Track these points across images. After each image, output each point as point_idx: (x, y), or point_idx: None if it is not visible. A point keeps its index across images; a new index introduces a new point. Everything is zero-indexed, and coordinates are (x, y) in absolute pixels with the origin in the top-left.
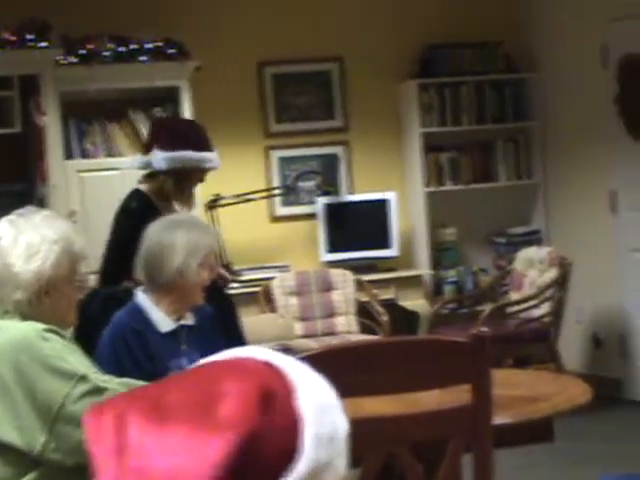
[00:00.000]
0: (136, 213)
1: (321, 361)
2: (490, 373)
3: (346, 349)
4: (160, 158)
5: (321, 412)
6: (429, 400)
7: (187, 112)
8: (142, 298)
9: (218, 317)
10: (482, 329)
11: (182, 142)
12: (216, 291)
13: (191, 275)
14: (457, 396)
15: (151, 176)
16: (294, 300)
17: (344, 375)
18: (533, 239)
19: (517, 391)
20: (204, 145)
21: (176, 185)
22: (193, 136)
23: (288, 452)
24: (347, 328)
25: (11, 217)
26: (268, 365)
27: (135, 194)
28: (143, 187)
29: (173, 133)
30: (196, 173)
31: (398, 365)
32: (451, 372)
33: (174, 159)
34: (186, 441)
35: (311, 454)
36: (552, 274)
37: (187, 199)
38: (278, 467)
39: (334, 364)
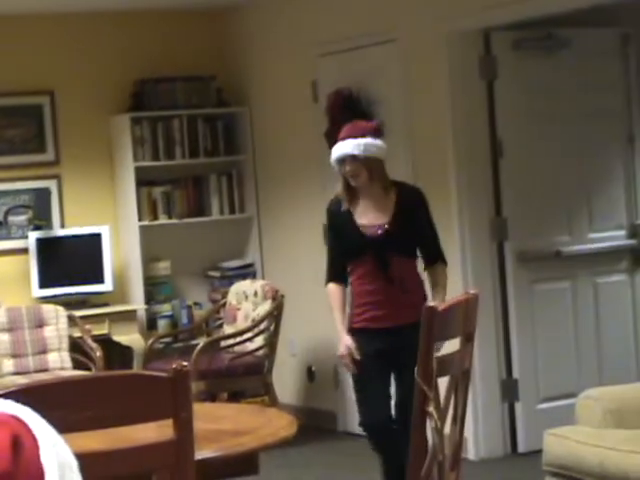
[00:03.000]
0: None
1: (18, 400)
2: (191, 407)
3: (43, 386)
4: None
5: (62, 470)
6: (141, 435)
7: None
8: None
9: None
10: (182, 363)
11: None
12: None
13: None
14: (167, 431)
15: None
16: (5, 337)
17: (41, 412)
18: (247, 272)
19: (222, 425)
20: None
21: None
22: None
23: None
24: (60, 364)
25: None
26: (16, 418)
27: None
28: None
29: None
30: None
31: (99, 401)
32: (152, 407)
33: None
34: None
35: None
36: (266, 307)
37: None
38: None
39: (31, 402)
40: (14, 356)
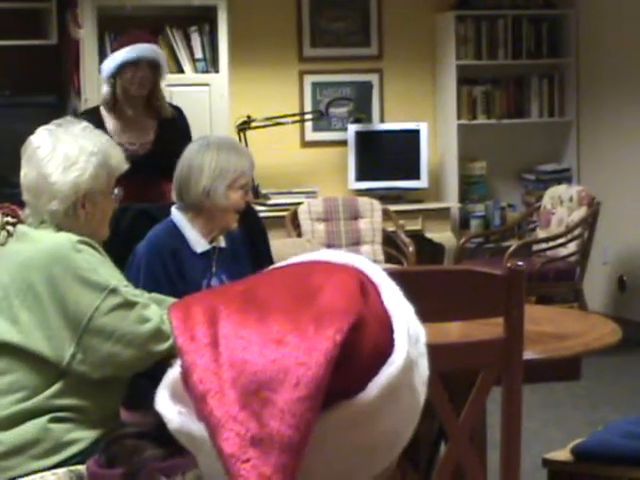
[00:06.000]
0: None
1: None
2: (523, 307)
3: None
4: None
5: (406, 313)
6: (452, 332)
7: (223, 32)
8: (178, 216)
9: (248, 240)
10: (517, 263)
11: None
12: (247, 214)
13: (219, 197)
14: (480, 329)
15: None
16: (321, 226)
17: None
18: (563, 177)
19: (545, 327)
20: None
21: None
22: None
23: (384, 344)
24: (372, 257)
25: (50, 126)
26: (357, 269)
27: None
28: None
29: None
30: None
31: (434, 294)
32: (486, 304)
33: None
34: (290, 331)
35: (405, 348)
36: (581, 213)
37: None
38: (376, 358)
39: None
40: (329, 246)
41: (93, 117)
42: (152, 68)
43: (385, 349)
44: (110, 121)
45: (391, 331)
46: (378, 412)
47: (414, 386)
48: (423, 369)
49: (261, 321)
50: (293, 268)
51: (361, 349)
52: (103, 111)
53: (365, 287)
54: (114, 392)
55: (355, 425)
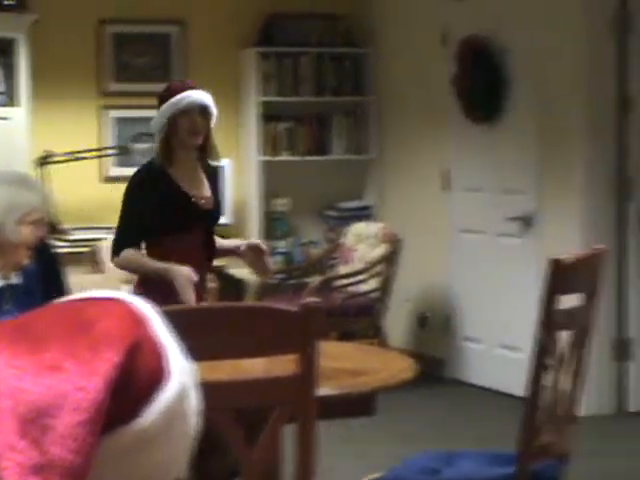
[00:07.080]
0: None
1: None
2: (317, 344)
3: (172, 312)
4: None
5: (176, 346)
6: (254, 368)
7: (23, 65)
8: None
9: (43, 276)
10: (313, 299)
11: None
12: (42, 250)
13: (8, 233)
14: (283, 365)
15: None
16: None
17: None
18: (364, 214)
19: (342, 363)
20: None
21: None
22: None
23: (158, 372)
24: None
25: None
26: (121, 300)
27: None
28: None
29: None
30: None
31: (230, 331)
32: (279, 341)
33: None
34: (66, 359)
35: (179, 377)
36: (382, 250)
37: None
38: (152, 384)
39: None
40: (129, 282)
41: (160, 171)
42: (203, 114)
43: (160, 377)
44: (177, 178)
45: (165, 360)
46: (154, 439)
47: (187, 415)
48: (195, 400)
49: (34, 351)
50: (67, 304)
51: (138, 373)
52: (166, 168)
53: (138, 318)
54: None
55: (132, 451)
